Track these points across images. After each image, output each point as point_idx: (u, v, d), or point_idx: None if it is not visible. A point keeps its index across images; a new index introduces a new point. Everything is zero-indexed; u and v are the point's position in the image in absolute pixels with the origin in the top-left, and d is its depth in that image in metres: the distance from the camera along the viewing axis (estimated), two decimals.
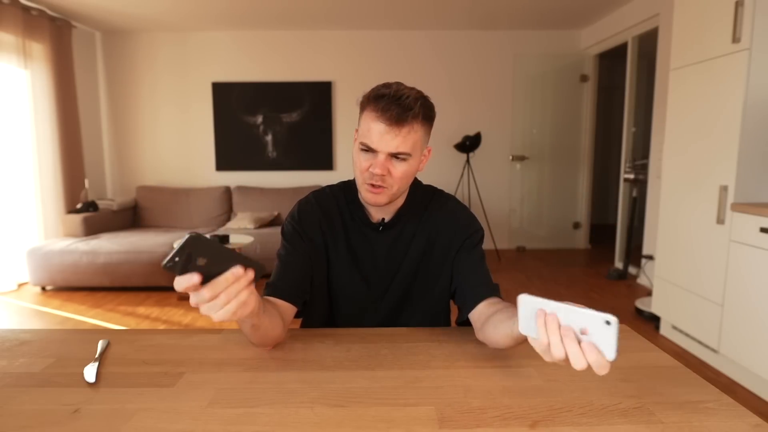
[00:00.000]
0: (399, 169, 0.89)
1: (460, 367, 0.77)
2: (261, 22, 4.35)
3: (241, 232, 3.88)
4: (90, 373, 0.73)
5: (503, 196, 4.92)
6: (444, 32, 4.68)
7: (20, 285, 3.73)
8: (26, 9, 3.66)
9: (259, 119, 4.70)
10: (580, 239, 5.06)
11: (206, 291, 0.58)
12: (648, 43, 3.82)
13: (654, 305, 2.71)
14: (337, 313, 1.02)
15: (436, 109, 0.94)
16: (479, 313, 0.88)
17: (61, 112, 3.98)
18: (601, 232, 5.44)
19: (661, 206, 2.66)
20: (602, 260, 4.49)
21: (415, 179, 1.02)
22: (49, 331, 0.91)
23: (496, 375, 0.74)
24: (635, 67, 4.03)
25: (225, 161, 4.77)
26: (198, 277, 0.58)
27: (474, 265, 0.96)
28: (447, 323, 1.07)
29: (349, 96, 4.70)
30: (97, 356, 0.78)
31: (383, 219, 1.00)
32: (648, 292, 3.41)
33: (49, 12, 3.87)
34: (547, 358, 0.58)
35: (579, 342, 0.54)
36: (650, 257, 3.51)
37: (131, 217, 4.50)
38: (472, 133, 4.58)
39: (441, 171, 4.75)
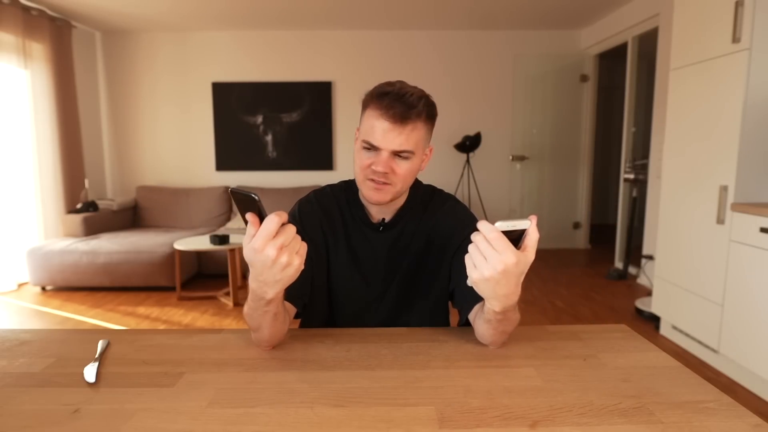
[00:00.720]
0: (402, 167, 0.89)
1: (460, 367, 0.77)
2: (261, 22, 4.35)
3: (241, 233, 3.88)
4: (90, 373, 0.73)
5: (503, 196, 4.92)
6: (444, 32, 4.69)
7: (20, 285, 3.73)
8: (26, 9, 3.66)
9: (259, 119, 4.70)
10: (580, 239, 5.06)
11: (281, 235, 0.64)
12: (648, 43, 3.82)
13: (654, 305, 2.71)
14: (337, 313, 1.02)
15: (437, 109, 0.94)
16: (476, 314, 0.88)
17: (61, 112, 3.98)
18: (601, 232, 5.44)
19: (661, 206, 2.66)
20: (602, 260, 4.49)
21: (416, 179, 1.02)
22: (49, 331, 0.91)
23: (496, 375, 0.74)
24: (635, 67, 4.03)
25: (225, 161, 4.77)
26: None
27: None
28: (447, 323, 1.07)
29: (349, 96, 4.70)
30: (97, 356, 0.78)
31: (383, 219, 1.00)
32: (648, 292, 3.41)
33: (49, 12, 3.87)
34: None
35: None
36: (650, 257, 3.51)
37: (131, 217, 4.50)
38: (472, 133, 4.58)
39: (441, 171, 4.75)
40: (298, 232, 0.98)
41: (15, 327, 2.20)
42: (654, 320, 2.81)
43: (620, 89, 4.49)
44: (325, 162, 4.77)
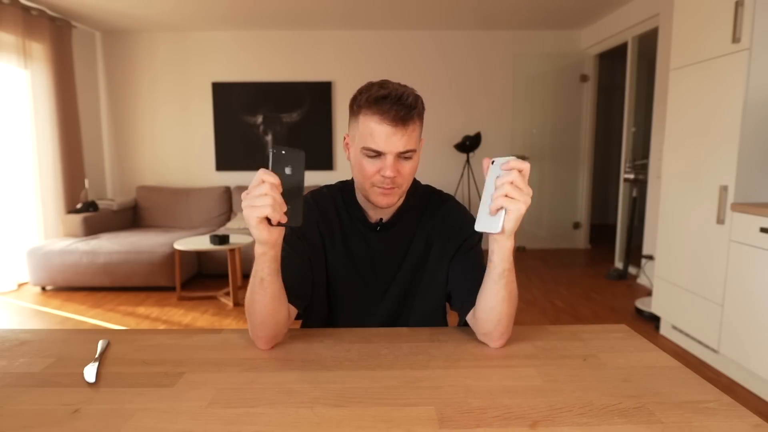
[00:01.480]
0: (407, 166, 0.90)
1: (460, 367, 0.77)
2: (261, 21, 4.35)
3: (241, 232, 3.88)
4: (90, 373, 0.73)
5: None
6: (444, 32, 4.68)
7: (20, 285, 3.73)
8: (26, 9, 3.66)
9: (259, 119, 4.70)
10: (580, 239, 5.06)
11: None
12: (648, 43, 3.82)
13: (654, 305, 2.71)
14: (337, 314, 1.02)
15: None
16: (475, 313, 0.88)
17: (61, 112, 3.98)
18: (601, 232, 5.44)
19: (661, 206, 2.66)
20: (602, 260, 4.49)
21: (414, 179, 1.01)
22: (49, 331, 0.91)
23: (496, 375, 0.74)
24: (635, 67, 4.03)
25: (225, 161, 4.77)
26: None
27: (471, 269, 0.96)
28: (445, 323, 1.07)
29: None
30: (97, 356, 0.78)
31: (381, 219, 1.00)
32: (648, 292, 3.41)
33: (49, 12, 3.87)
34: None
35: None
36: (650, 257, 3.51)
37: (131, 217, 4.50)
38: (472, 133, 4.58)
39: (441, 171, 4.75)
40: (296, 233, 0.99)
41: (15, 327, 2.20)
42: (654, 320, 2.81)
43: (620, 89, 4.49)
44: (325, 162, 4.77)
